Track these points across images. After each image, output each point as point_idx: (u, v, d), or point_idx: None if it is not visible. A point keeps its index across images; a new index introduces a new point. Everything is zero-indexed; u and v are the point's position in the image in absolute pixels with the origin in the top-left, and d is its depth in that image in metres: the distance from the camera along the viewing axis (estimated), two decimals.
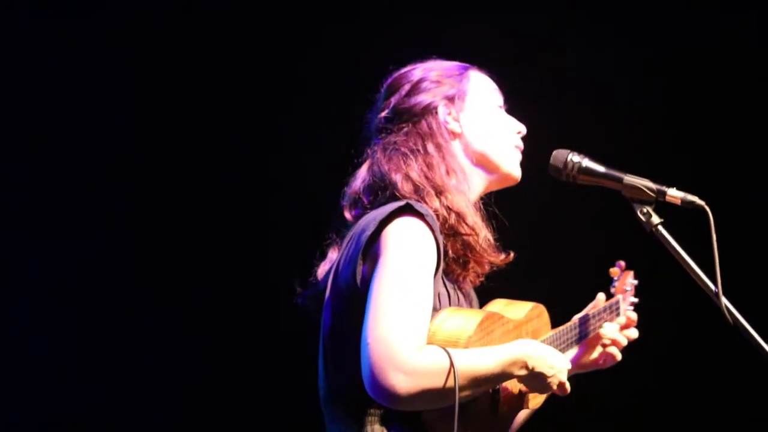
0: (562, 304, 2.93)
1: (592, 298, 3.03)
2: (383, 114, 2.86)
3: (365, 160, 2.84)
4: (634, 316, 3.04)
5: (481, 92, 2.89)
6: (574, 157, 2.80)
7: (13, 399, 4.88)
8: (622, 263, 3.11)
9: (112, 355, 4.95)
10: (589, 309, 3.00)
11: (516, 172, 2.88)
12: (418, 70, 2.89)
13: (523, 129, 2.92)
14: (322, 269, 2.78)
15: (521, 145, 2.91)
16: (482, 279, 2.80)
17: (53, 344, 4.91)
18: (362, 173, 2.81)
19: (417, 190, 2.70)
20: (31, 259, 4.92)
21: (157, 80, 4.98)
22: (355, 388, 2.51)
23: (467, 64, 2.93)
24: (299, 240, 2.98)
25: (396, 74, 2.91)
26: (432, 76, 2.87)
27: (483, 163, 2.84)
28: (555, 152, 2.82)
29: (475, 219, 2.74)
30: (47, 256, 4.92)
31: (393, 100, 2.86)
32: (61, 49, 4.91)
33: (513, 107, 2.95)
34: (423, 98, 2.83)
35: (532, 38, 5.00)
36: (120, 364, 4.96)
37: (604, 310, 3.00)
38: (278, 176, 5.02)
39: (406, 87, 2.86)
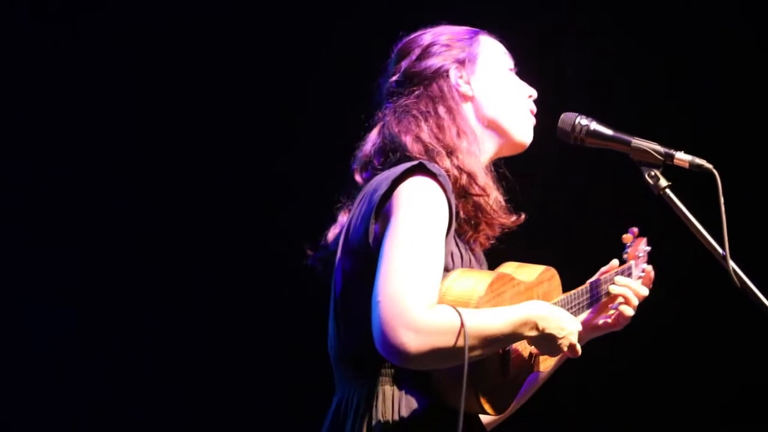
0: (573, 268, 2.92)
1: (603, 262, 3.02)
2: (394, 78, 2.86)
3: (376, 124, 2.84)
4: (650, 268, 3.05)
5: (492, 55, 2.89)
6: (582, 120, 2.80)
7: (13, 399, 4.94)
8: (635, 230, 3.10)
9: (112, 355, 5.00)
10: (601, 273, 3.00)
11: (527, 138, 2.88)
12: (428, 35, 2.89)
13: (534, 93, 2.91)
14: (332, 232, 2.79)
15: (534, 108, 2.90)
16: (493, 241, 2.80)
17: (53, 344, 4.95)
18: (373, 136, 2.82)
19: (427, 150, 2.71)
20: (32, 259, 4.96)
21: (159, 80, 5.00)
22: (365, 348, 2.52)
23: (477, 29, 2.93)
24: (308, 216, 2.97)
25: (406, 39, 2.91)
26: (442, 40, 2.87)
27: (494, 127, 2.84)
28: (563, 115, 2.82)
29: (486, 180, 2.74)
30: (48, 255, 4.97)
31: (403, 64, 2.86)
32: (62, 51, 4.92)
33: (522, 71, 2.94)
34: (434, 62, 2.83)
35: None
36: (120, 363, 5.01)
37: (616, 274, 3.00)
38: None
39: (417, 51, 2.85)
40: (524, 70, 2.94)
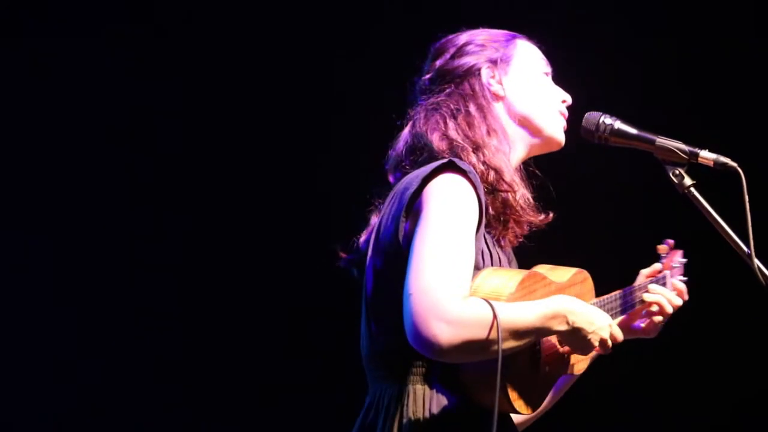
0: (605, 272, 2.92)
1: (633, 267, 3.03)
2: (427, 76, 2.87)
3: (408, 123, 2.85)
4: (682, 286, 3.04)
5: (527, 58, 2.89)
6: (606, 119, 2.80)
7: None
8: (671, 242, 3.09)
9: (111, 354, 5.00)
10: (645, 276, 3.01)
11: (560, 136, 2.87)
12: (464, 35, 2.90)
13: (568, 98, 2.91)
14: (364, 235, 2.79)
15: (566, 112, 2.90)
16: (521, 240, 2.80)
17: (53, 343, 4.94)
18: (405, 135, 2.83)
19: (453, 147, 2.71)
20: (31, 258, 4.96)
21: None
22: (396, 346, 2.53)
23: (515, 33, 2.93)
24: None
25: (443, 39, 2.92)
26: (478, 40, 2.88)
27: (526, 125, 2.84)
28: (587, 114, 2.83)
29: (513, 177, 2.74)
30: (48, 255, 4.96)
31: (438, 62, 2.87)
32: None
33: (559, 79, 2.95)
34: (467, 60, 2.84)
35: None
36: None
37: (650, 283, 3.00)
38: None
39: (451, 50, 2.87)
40: (561, 78, 2.94)
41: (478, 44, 2.87)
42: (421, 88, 2.88)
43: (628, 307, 2.94)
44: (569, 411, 3.18)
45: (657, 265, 3.06)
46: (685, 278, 3.09)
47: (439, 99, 2.82)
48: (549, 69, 2.93)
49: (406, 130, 2.83)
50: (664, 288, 3.00)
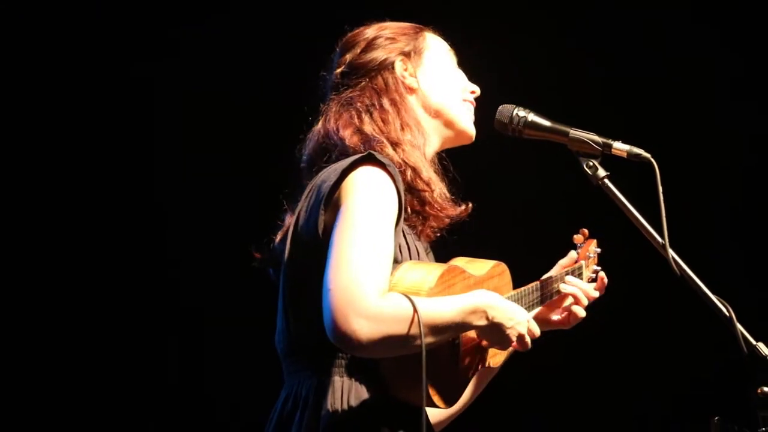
0: (522, 265, 2.93)
1: (552, 257, 3.04)
2: (338, 70, 2.86)
3: (319, 118, 2.83)
4: (603, 275, 3.06)
5: (436, 50, 2.91)
6: (520, 112, 2.81)
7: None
8: (586, 231, 3.12)
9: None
10: (555, 270, 3.02)
11: (471, 129, 2.89)
12: (372, 29, 2.90)
13: (477, 89, 2.93)
14: (279, 235, 2.76)
15: (474, 103, 2.92)
16: (439, 234, 2.80)
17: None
18: (315, 132, 2.81)
19: (367, 141, 2.70)
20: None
21: None
22: (315, 339, 2.52)
23: (421, 26, 2.94)
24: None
25: (351, 33, 2.91)
26: (387, 33, 2.88)
27: (440, 117, 2.85)
28: (501, 107, 2.83)
29: (429, 174, 2.74)
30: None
31: (348, 56, 2.86)
32: None
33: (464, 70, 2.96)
34: (379, 54, 2.84)
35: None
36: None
37: (567, 274, 3.02)
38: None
39: (362, 44, 2.86)
40: (465, 69, 2.95)
41: (388, 37, 2.86)
42: (332, 82, 2.86)
43: (546, 297, 2.96)
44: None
45: (573, 254, 3.08)
46: (599, 268, 3.11)
47: (352, 94, 2.81)
48: (455, 60, 2.94)
49: (318, 127, 2.81)
50: (579, 280, 3.02)
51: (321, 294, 2.44)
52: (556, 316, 3.02)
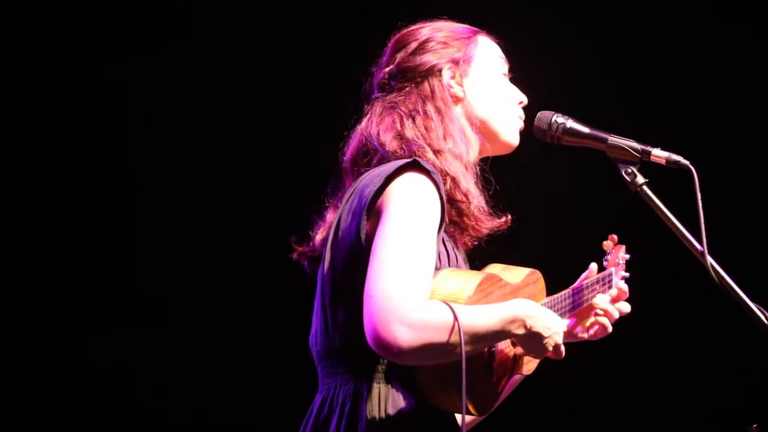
0: (554, 272, 2.93)
1: (583, 265, 3.02)
2: (387, 69, 2.85)
3: (363, 117, 2.83)
4: (625, 288, 3.04)
5: (487, 58, 2.88)
6: (559, 119, 2.80)
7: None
8: (615, 237, 3.11)
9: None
10: (582, 279, 3.00)
11: (514, 141, 2.88)
12: (426, 29, 2.87)
13: (524, 99, 2.91)
14: (321, 232, 2.76)
15: (522, 115, 2.90)
16: (476, 243, 2.79)
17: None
18: (358, 132, 2.81)
19: (407, 147, 2.70)
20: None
21: None
22: (355, 344, 2.52)
23: (476, 29, 2.92)
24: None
25: (404, 30, 2.89)
26: (439, 37, 2.85)
27: (483, 129, 2.83)
28: (539, 114, 2.82)
29: (468, 185, 2.72)
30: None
31: (398, 56, 2.84)
32: None
33: (515, 75, 2.95)
34: (428, 58, 2.82)
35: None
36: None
37: (597, 281, 3.00)
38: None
39: (413, 45, 2.84)
40: (517, 76, 2.94)
41: (441, 41, 2.84)
42: (379, 81, 2.85)
43: (577, 306, 2.95)
44: None
45: (593, 266, 3.04)
46: (627, 275, 3.10)
47: (398, 97, 2.80)
48: (507, 68, 2.92)
49: (361, 126, 2.81)
50: (608, 303, 3.00)
51: (361, 299, 2.44)
52: (583, 327, 3.01)
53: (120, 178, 5.04)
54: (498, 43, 2.93)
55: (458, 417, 2.74)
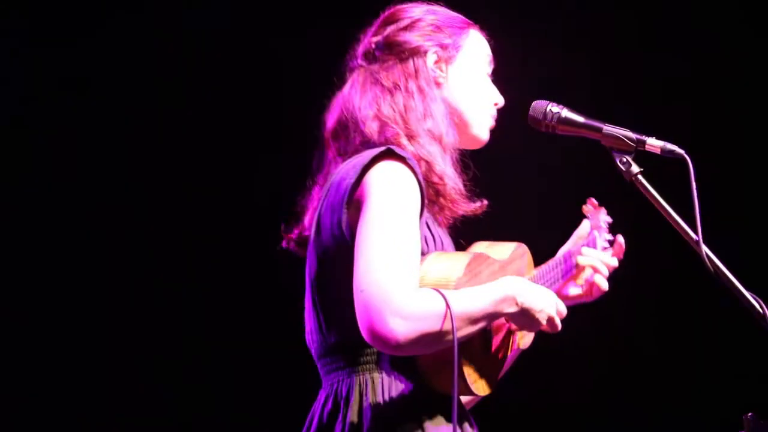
0: (539, 243, 2.94)
1: (565, 231, 3.05)
2: (375, 39, 2.84)
3: (344, 84, 2.83)
4: (622, 243, 3.05)
5: (475, 52, 2.88)
6: (553, 108, 2.80)
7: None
8: (594, 201, 3.13)
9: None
10: (571, 243, 3.03)
11: (484, 136, 2.89)
12: (421, 9, 2.88)
13: (501, 101, 2.92)
14: (308, 216, 2.77)
15: (495, 115, 2.91)
16: (451, 221, 2.79)
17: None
18: (340, 99, 2.81)
19: (385, 129, 2.70)
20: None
21: None
22: (350, 339, 2.53)
23: (471, 22, 2.92)
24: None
25: (400, 6, 2.89)
26: (432, 20, 2.85)
27: (455, 117, 2.83)
28: (534, 103, 2.82)
29: (443, 168, 2.72)
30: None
31: (388, 29, 2.84)
32: None
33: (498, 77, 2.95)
34: (417, 38, 2.82)
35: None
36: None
37: (582, 245, 3.03)
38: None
39: (405, 21, 2.84)
40: (500, 75, 2.94)
41: (433, 23, 2.84)
42: (365, 50, 2.85)
43: (568, 272, 2.97)
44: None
45: (586, 223, 3.07)
46: (611, 237, 3.11)
47: (381, 70, 2.79)
48: (491, 68, 2.92)
49: (343, 94, 2.81)
50: (595, 250, 3.03)
51: (351, 294, 2.44)
52: (575, 290, 3.02)
53: (118, 178, 5.04)
54: (489, 42, 2.94)
55: (464, 399, 2.76)
